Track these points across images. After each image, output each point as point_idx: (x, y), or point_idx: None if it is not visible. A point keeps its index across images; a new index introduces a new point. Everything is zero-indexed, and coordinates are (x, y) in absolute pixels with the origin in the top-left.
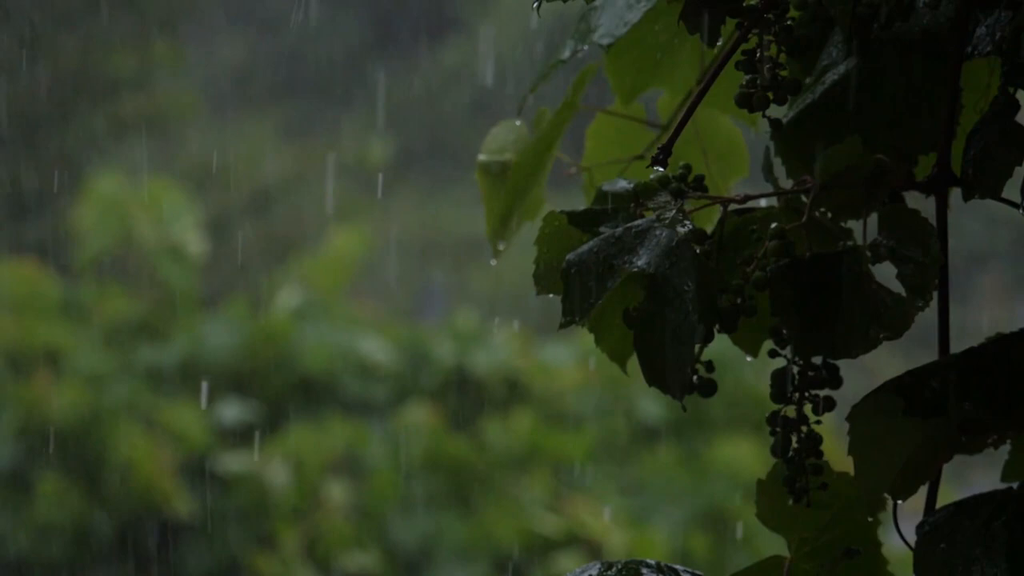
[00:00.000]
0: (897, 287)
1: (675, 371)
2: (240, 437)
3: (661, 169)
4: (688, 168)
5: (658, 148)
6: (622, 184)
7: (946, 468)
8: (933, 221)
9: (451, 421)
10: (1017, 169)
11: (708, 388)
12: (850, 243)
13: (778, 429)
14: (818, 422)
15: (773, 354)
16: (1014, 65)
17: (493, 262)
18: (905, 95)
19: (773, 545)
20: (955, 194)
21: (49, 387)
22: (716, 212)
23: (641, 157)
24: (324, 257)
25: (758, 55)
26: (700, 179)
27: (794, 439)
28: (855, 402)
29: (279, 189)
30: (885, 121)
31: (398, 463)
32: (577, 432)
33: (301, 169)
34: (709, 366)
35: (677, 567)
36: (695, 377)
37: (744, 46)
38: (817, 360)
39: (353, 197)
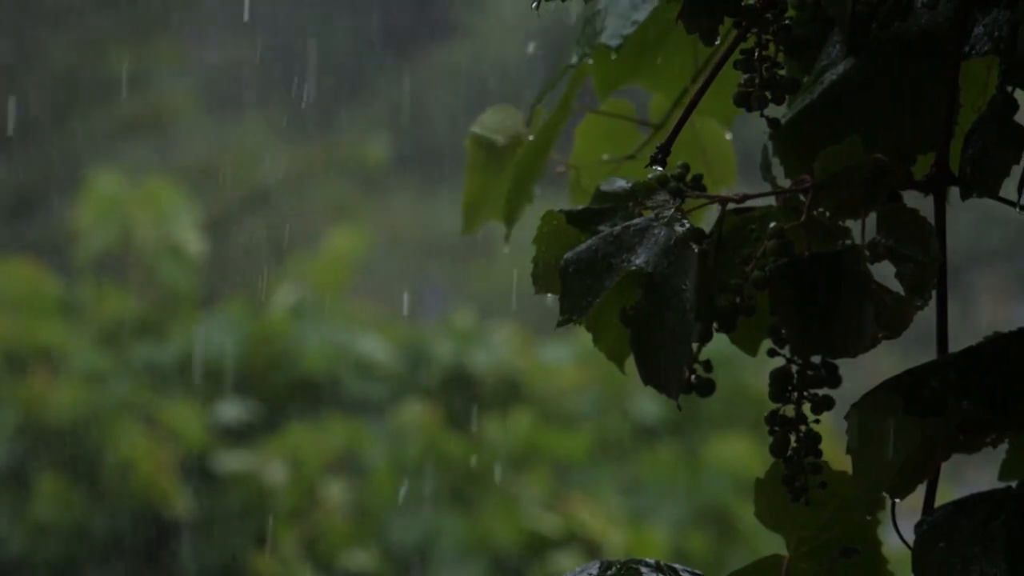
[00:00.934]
0: (896, 286)
1: (671, 370)
2: (239, 436)
3: (660, 168)
4: (686, 167)
5: (657, 147)
6: (620, 183)
7: (943, 466)
8: (932, 220)
9: (450, 420)
10: (1015, 168)
11: (707, 388)
12: (849, 242)
13: (777, 428)
14: (816, 421)
15: (772, 353)
16: (1012, 64)
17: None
18: (903, 95)
19: (771, 544)
20: (953, 193)
21: (48, 386)
22: (714, 211)
23: (632, 157)
24: (323, 257)
25: (756, 54)
26: (698, 178)
27: (793, 438)
28: (853, 401)
29: (278, 188)
30: (883, 121)
31: (397, 462)
32: (575, 431)
33: (300, 169)
34: (707, 365)
35: (676, 566)
36: (693, 377)
37: (742, 45)
38: (816, 359)
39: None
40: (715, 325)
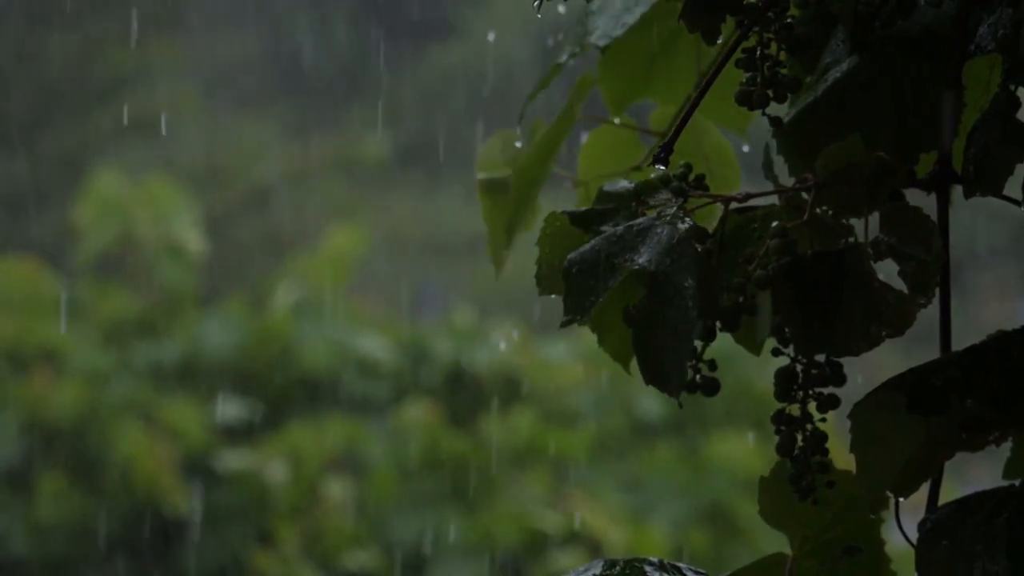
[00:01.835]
0: (899, 284)
1: (673, 369)
2: (240, 435)
3: (662, 168)
4: (689, 167)
5: (660, 146)
6: (623, 184)
7: (945, 464)
8: (935, 218)
9: (451, 419)
10: (1018, 166)
11: (711, 387)
12: (852, 241)
13: (783, 427)
14: (822, 420)
15: (776, 352)
16: (1015, 63)
17: (497, 277)
18: (906, 93)
19: (773, 542)
20: (956, 192)
21: (49, 385)
22: (717, 211)
23: (638, 168)
24: (323, 255)
25: (758, 53)
26: (701, 178)
27: (799, 437)
28: (856, 400)
29: (278, 187)
30: (886, 119)
31: (398, 461)
32: (577, 429)
33: (300, 167)
34: (712, 365)
35: (680, 565)
36: (698, 376)
37: (744, 44)
38: (820, 358)
39: (352, 195)
40: (718, 324)
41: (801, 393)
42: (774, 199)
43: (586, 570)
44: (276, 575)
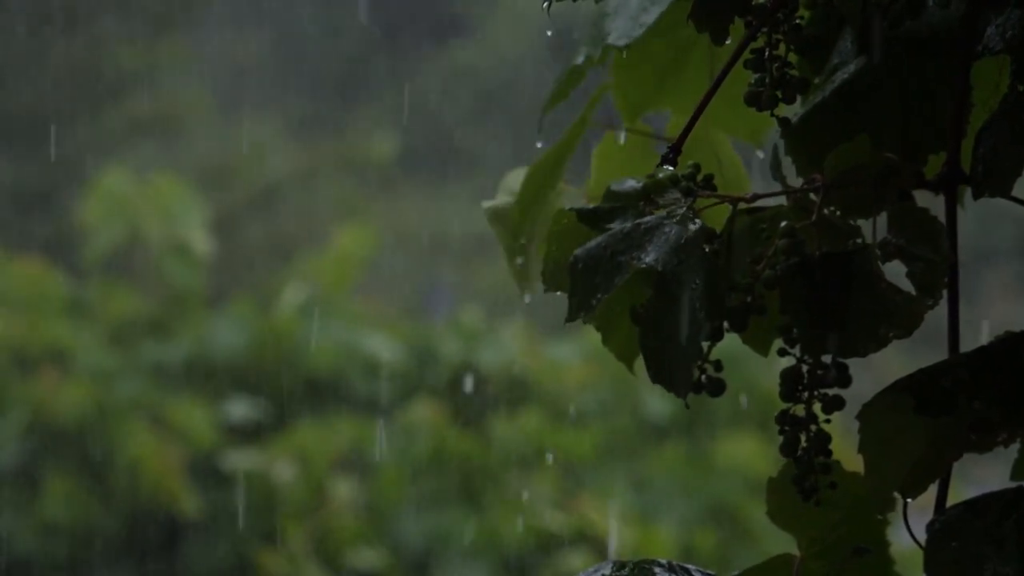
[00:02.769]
0: (907, 285)
1: (680, 369)
2: (247, 435)
3: (671, 168)
4: (697, 167)
5: (668, 147)
6: (631, 183)
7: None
8: (943, 219)
9: (458, 419)
10: None
11: (717, 387)
12: (860, 241)
13: (787, 428)
14: (827, 421)
15: (783, 353)
16: None
17: (527, 299)
18: (915, 93)
19: (780, 543)
20: (963, 192)
21: (56, 385)
22: (725, 211)
23: (652, 176)
24: (330, 255)
25: (767, 54)
26: (709, 178)
27: (803, 438)
28: (863, 401)
29: (286, 187)
30: (894, 119)
31: (405, 461)
32: (584, 430)
33: (308, 167)
34: (718, 365)
35: (689, 566)
36: (703, 376)
37: (753, 45)
38: (826, 358)
39: (359, 195)
40: (726, 324)
41: (806, 394)
42: (782, 200)
43: (595, 571)
44: (283, 575)
